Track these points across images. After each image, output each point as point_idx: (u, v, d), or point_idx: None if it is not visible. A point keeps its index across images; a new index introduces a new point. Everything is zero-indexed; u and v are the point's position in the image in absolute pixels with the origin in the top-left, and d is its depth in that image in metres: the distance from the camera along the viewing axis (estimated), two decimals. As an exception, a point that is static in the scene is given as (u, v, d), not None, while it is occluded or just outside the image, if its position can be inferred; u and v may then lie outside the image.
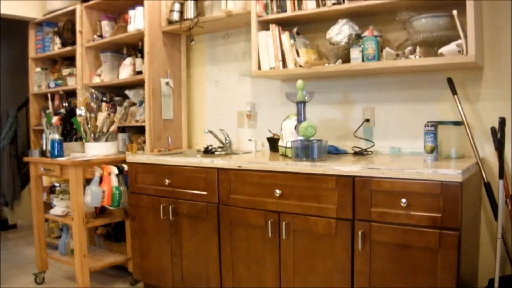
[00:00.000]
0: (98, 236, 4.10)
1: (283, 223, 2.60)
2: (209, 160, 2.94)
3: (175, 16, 3.74)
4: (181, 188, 3.09)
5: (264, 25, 3.20)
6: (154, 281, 3.36)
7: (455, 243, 2.09)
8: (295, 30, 3.21)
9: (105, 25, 4.23)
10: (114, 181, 3.40)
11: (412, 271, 2.22)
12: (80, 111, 3.69)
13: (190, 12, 3.62)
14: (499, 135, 2.33)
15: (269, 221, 2.65)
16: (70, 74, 4.58)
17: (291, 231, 2.59)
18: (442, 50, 2.53)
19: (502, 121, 2.33)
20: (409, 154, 2.91)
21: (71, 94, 4.60)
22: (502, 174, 2.31)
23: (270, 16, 3.15)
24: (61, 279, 3.82)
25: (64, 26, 4.54)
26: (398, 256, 2.25)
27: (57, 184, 4.28)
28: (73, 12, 4.39)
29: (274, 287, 2.69)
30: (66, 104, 4.36)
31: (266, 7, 3.16)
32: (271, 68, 3.16)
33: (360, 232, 2.34)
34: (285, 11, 3.09)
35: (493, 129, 2.37)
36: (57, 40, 4.71)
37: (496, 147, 2.36)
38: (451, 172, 2.09)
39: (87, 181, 3.43)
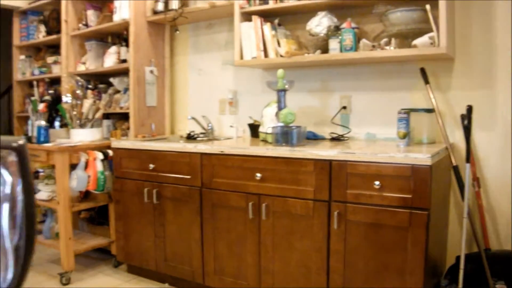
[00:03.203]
0: (82, 220, 4.16)
1: (263, 204, 2.72)
2: (192, 145, 3.04)
3: (160, 7, 3.80)
4: (165, 173, 3.19)
5: (247, 16, 3.29)
6: (137, 263, 3.44)
7: (424, 222, 2.23)
8: (276, 21, 3.31)
9: (90, 14, 4.27)
10: (99, 166, 3.48)
11: (384, 248, 2.35)
12: (67, 98, 3.75)
13: (174, 3, 3.70)
14: (466, 122, 2.47)
15: (250, 203, 2.76)
16: (55, 62, 4.63)
17: (271, 212, 2.71)
18: (416, 42, 2.66)
19: (470, 109, 2.46)
20: (383, 140, 3.04)
21: (55, 81, 4.63)
22: (468, 158, 2.44)
23: (253, 8, 3.25)
24: (46, 263, 3.88)
25: (49, 15, 4.59)
26: (371, 234, 2.38)
27: (41, 170, 4.33)
28: (58, 1, 4.41)
29: (255, 266, 2.81)
30: (52, 91, 4.41)
31: (249, -1, 3.27)
32: (253, 58, 3.25)
33: (336, 213, 2.46)
34: (267, 3, 3.19)
35: (462, 116, 2.50)
36: (42, 29, 4.75)
37: (464, 133, 2.50)
38: (421, 156, 2.23)
39: (73, 167, 3.50)
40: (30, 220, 0.73)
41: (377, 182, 2.34)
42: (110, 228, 3.79)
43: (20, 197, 0.70)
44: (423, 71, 2.81)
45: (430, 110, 2.77)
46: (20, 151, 0.70)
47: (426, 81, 2.78)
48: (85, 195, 3.83)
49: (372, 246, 2.39)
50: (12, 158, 0.70)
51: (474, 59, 2.79)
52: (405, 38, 2.79)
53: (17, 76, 5.10)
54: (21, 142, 0.70)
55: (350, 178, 2.44)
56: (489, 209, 2.76)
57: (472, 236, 2.67)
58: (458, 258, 2.52)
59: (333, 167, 2.48)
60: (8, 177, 0.70)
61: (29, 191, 0.71)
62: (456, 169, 2.56)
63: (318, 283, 2.57)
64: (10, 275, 0.72)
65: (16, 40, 5.10)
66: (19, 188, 0.70)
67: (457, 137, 2.84)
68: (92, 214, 4.13)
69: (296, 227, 2.63)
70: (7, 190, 0.70)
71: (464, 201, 2.45)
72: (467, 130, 2.46)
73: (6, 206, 0.71)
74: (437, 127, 2.74)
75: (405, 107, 2.86)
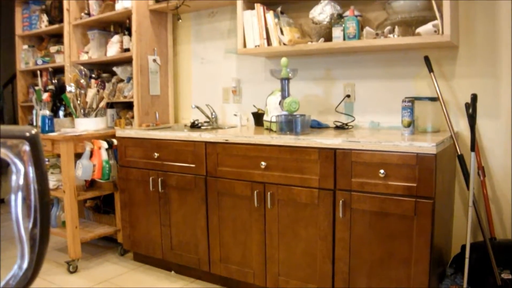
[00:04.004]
0: (87, 209, 4.19)
1: (268, 193, 2.73)
2: (197, 134, 3.05)
3: (162, -5, 3.81)
4: (170, 161, 3.20)
5: (249, 4, 3.28)
6: (144, 251, 3.47)
7: (429, 210, 2.24)
8: (279, 9, 3.30)
9: (93, 3, 4.25)
10: (104, 155, 3.50)
11: (390, 237, 2.36)
12: (70, 87, 3.75)
13: (177, -9, 3.69)
14: (471, 111, 2.47)
15: (255, 192, 2.78)
16: (58, 52, 4.63)
17: (276, 201, 2.73)
18: (419, 30, 2.65)
19: (474, 97, 2.45)
20: (387, 128, 3.05)
21: (58, 71, 4.64)
22: (473, 146, 2.45)
23: (255, -4, 3.24)
24: (53, 251, 3.92)
25: (51, 4, 4.57)
26: (376, 223, 2.40)
27: (46, 159, 4.35)
28: (60, -10, 4.42)
29: (260, 254, 2.83)
30: (56, 81, 4.41)
31: (251, -14, 3.25)
32: (256, 46, 3.25)
33: (341, 201, 2.47)
34: (270, -10, 3.18)
35: (466, 105, 2.49)
36: (44, 18, 4.74)
37: (468, 121, 2.50)
38: (426, 145, 2.23)
39: (78, 156, 3.51)
40: (45, 208, 0.75)
41: (382, 171, 2.35)
42: (116, 217, 3.82)
43: (34, 186, 0.72)
44: (427, 59, 2.80)
45: (434, 99, 2.77)
46: (33, 141, 0.72)
47: (430, 69, 2.78)
48: (91, 184, 3.86)
49: (377, 235, 2.40)
50: (25, 147, 0.72)
51: (478, 47, 2.78)
52: (409, 26, 2.78)
53: (20, 65, 5.10)
54: (34, 131, 0.72)
55: (354, 166, 2.45)
56: (494, 198, 2.77)
57: (477, 225, 2.68)
58: (463, 247, 2.54)
59: (338, 156, 2.49)
60: (21, 167, 0.72)
61: (43, 180, 0.73)
62: (461, 158, 2.57)
63: (324, 271, 2.59)
64: (25, 263, 0.74)
65: (19, 30, 5.09)
66: (32, 178, 0.72)
67: (461, 125, 2.84)
68: (98, 203, 4.15)
69: (301, 216, 2.65)
70: (21, 179, 0.72)
71: (469, 190, 2.45)
72: (472, 119, 2.45)
73: (20, 196, 0.74)
74: (441, 116, 2.74)
75: (409, 95, 2.86)
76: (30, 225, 0.74)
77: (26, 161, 0.72)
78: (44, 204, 0.74)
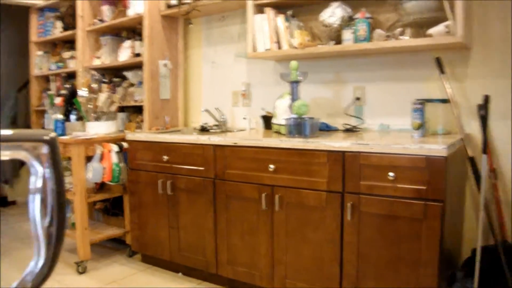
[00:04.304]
0: (97, 211, 4.21)
1: (277, 196, 2.71)
2: (205, 137, 3.04)
3: (173, 1, 3.81)
4: (179, 164, 3.20)
5: (260, 8, 3.28)
6: (152, 252, 3.47)
7: (439, 213, 2.20)
8: (289, 13, 3.30)
9: (106, 9, 4.31)
10: (114, 158, 3.51)
11: (398, 240, 2.33)
12: (82, 92, 3.79)
13: (187, -3, 3.71)
14: (483, 112, 2.43)
15: (263, 194, 2.76)
16: (71, 57, 4.68)
17: (284, 204, 2.70)
18: (431, 31, 2.62)
19: (486, 99, 2.42)
20: (397, 131, 3.01)
21: (71, 76, 4.68)
22: (485, 149, 2.40)
23: (266, 0, 3.24)
24: (62, 252, 3.88)
25: (65, 11, 4.64)
26: (385, 226, 2.36)
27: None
28: (74, -3, 4.48)
29: (267, 257, 2.81)
30: (68, 85, 4.46)
31: (261, -10, 3.25)
32: (266, 50, 3.25)
33: (349, 204, 2.44)
34: (280, -6, 3.18)
35: (478, 106, 2.46)
36: (59, 25, 4.80)
37: (480, 123, 2.46)
38: (436, 147, 2.20)
39: (88, 159, 3.54)
40: (61, 208, 0.77)
41: (391, 174, 2.32)
42: (125, 219, 3.83)
43: (51, 187, 0.74)
44: (438, 61, 2.77)
45: (445, 101, 2.74)
46: (51, 144, 0.74)
47: (442, 71, 2.74)
48: (101, 186, 3.88)
49: (386, 238, 2.37)
50: (44, 150, 0.73)
51: (492, 48, 2.73)
52: (420, 27, 2.75)
53: (35, 71, 5.17)
54: (52, 135, 0.74)
55: (363, 169, 2.42)
56: (506, 201, 2.72)
57: (489, 228, 2.63)
58: (474, 250, 2.49)
59: (346, 159, 2.47)
60: (39, 168, 0.73)
61: (60, 182, 0.75)
62: (472, 161, 2.53)
63: (331, 274, 2.55)
64: (42, 260, 0.75)
65: (34, 37, 5.16)
66: (50, 179, 0.73)
67: (473, 127, 2.79)
68: (107, 205, 4.17)
69: (309, 219, 2.62)
70: (39, 180, 0.74)
71: (481, 193, 2.41)
72: (484, 120, 2.42)
73: (38, 196, 0.75)
74: (452, 118, 2.70)
75: (420, 97, 2.83)
76: (47, 223, 0.75)
77: (44, 163, 0.73)
78: (60, 204, 0.76)
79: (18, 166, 5.84)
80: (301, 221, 2.66)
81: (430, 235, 2.23)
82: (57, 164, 0.74)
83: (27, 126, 5.80)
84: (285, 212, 2.71)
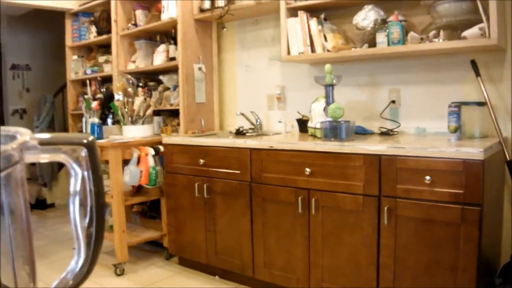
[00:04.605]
0: (134, 213, 4.29)
1: (313, 199, 2.74)
2: (242, 141, 3.09)
3: (207, 5, 3.85)
4: (215, 168, 3.25)
5: (293, 12, 3.31)
6: (189, 255, 3.54)
7: (477, 218, 2.19)
8: (322, 16, 3.31)
9: (139, 14, 4.38)
10: (151, 162, 3.58)
11: (435, 245, 2.32)
12: (118, 96, 3.87)
13: (221, 1, 3.75)
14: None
15: (299, 198, 2.79)
16: (106, 61, 4.78)
17: (320, 207, 2.73)
18: (465, 33, 2.60)
19: (524, 101, 2.41)
20: (433, 134, 3.00)
21: (106, 80, 4.78)
22: (523, 152, 2.40)
23: (298, 3, 3.26)
24: (101, 254, 3.98)
25: (100, 16, 4.74)
26: (422, 230, 2.36)
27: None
28: (108, 2, 4.55)
29: (304, 260, 2.84)
30: (104, 89, 4.55)
31: (294, -6, 3.27)
32: (300, 53, 3.27)
33: (386, 208, 2.45)
34: (313, -2, 3.20)
35: (515, 109, 2.45)
36: (93, 29, 4.91)
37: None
38: (473, 151, 2.19)
39: (125, 162, 3.61)
40: (101, 209, 0.81)
41: (427, 177, 2.32)
42: (162, 222, 3.90)
43: (90, 188, 0.78)
44: (473, 63, 2.75)
45: (481, 103, 2.72)
46: (90, 147, 0.78)
47: (477, 73, 2.72)
48: (138, 190, 3.96)
49: (423, 242, 2.37)
50: (83, 153, 0.78)
51: (528, 49, 2.71)
52: (454, 29, 2.74)
53: (70, 75, 5.29)
54: (91, 138, 0.79)
55: (400, 173, 2.42)
56: (545, 204, 2.70)
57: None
58: (512, 255, 2.48)
59: (383, 162, 2.48)
60: (79, 171, 0.78)
61: (99, 183, 0.79)
62: (510, 164, 2.51)
63: (368, 278, 2.57)
64: (82, 260, 0.79)
65: (69, 41, 5.29)
66: (89, 181, 0.78)
67: (511, 130, 2.77)
68: (144, 208, 4.25)
69: (346, 222, 2.64)
70: (78, 182, 0.78)
71: (519, 196, 2.40)
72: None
73: (77, 198, 0.80)
74: (489, 121, 2.68)
75: (455, 100, 2.81)
76: (86, 224, 0.79)
77: (83, 166, 0.77)
78: (99, 205, 0.80)
79: (56, 170, 5.99)
80: (337, 225, 2.68)
81: (468, 240, 2.22)
82: (96, 166, 0.78)
83: (64, 129, 5.94)
84: (321, 215, 2.73)
